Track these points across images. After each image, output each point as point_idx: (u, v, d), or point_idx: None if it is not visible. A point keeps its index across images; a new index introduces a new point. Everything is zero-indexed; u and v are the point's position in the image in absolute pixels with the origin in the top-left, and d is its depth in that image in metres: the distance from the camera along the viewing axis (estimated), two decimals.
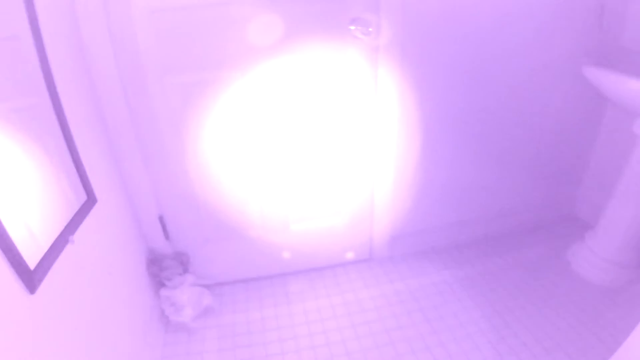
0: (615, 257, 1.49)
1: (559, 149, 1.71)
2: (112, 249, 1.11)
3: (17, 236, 0.62)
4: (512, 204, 1.78)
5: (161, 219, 1.36)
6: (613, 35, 1.56)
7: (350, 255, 1.64)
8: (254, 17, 1.14)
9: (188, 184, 1.32)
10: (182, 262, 1.42)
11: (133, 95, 1.15)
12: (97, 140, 1.11)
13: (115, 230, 1.16)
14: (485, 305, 1.42)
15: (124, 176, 1.24)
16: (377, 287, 1.52)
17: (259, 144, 1.31)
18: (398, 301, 1.45)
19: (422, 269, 1.61)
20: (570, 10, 1.44)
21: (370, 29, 1.22)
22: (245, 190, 1.39)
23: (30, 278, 0.66)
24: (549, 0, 1.39)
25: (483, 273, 1.59)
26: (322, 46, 1.23)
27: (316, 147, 1.38)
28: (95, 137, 1.10)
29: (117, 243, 1.16)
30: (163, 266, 1.39)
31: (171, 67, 1.15)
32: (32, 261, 0.67)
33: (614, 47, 1.57)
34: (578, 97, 1.59)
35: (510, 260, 1.66)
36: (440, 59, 1.35)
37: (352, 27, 1.22)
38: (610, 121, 1.69)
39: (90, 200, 0.99)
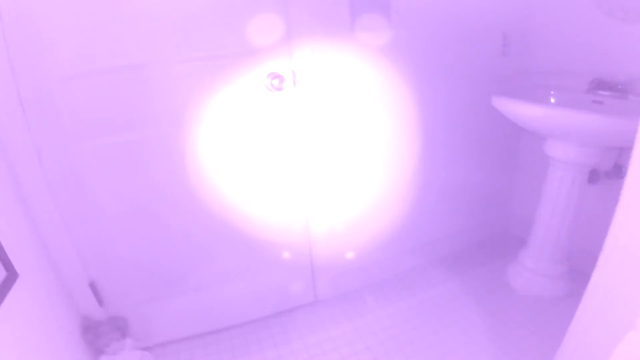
0: (547, 270, 1.56)
1: (486, 171, 1.82)
2: (40, 323, 1.07)
3: None
4: (451, 230, 1.85)
5: (92, 286, 1.33)
6: (519, 62, 1.71)
7: (293, 301, 1.63)
8: (173, 75, 1.19)
9: (118, 246, 1.31)
10: (119, 326, 1.38)
11: (51, 159, 1.14)
12: (13, 211, 1.09)
13: (42, 303, 1.12)
14: (430, 335, 1.44)
15: (47, 246, 1.21)
16: (324, 331, 1.51)
17: (187, 197, 1.33)
18: (345, 343, 1.45)
19: (365, 307, 1.62)
20: (475, 41, 1.58)
21: (283, 84, 1.30)
22: (177, 246, 1.38)
23: None
24: (454, 33, 1.52)
25: (427, 302, 1.62)
26: (241, 98, 1.29)
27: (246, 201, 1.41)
28: (10, 208, 1.08)
29: (46, 316, 1.12)
30: (99, 333, 1.34)
31: (93, 129, 1.16)
32: None
33: (521, 73, 1.71)
34: (496, 123, 1.71)
35: (453, 286, 1.70)
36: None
37: (267, 82, 1.29)
38: (527, 142, 1.83)
39: (10, 276, 0.97)
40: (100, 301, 1.36)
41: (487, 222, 1.98)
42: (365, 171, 1.55)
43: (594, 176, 1.45)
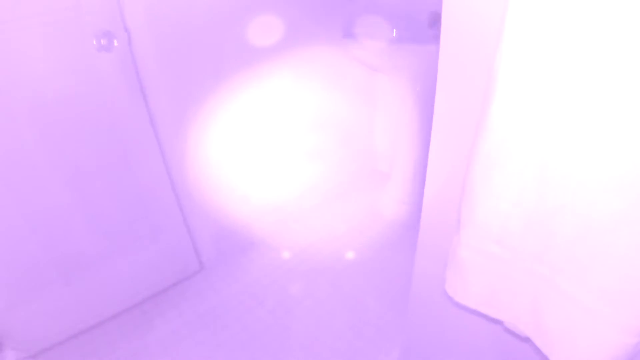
0: (406, 199, 1.73)
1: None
2: None
3: None
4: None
5: None
6: (367, 5, 1.75)
7: (179, 274, 1.59)
8: None
9: None
10: None
11: None
12: None
13: None
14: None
15: None
16: (215, 295, 1.51)
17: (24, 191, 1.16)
18: (237, 303, 1.47)
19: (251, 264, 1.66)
20: None
21: (115, 43, 1.16)
22: (36, 228, 1.23)
23: None
24: None
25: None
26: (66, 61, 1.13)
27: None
28: None
29: None
30: None
31: None
32: None
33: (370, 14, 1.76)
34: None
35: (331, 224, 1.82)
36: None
37: (95, 42, 1.14)
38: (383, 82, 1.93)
39: None
40: None
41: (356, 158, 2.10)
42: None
43: None
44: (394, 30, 1.60)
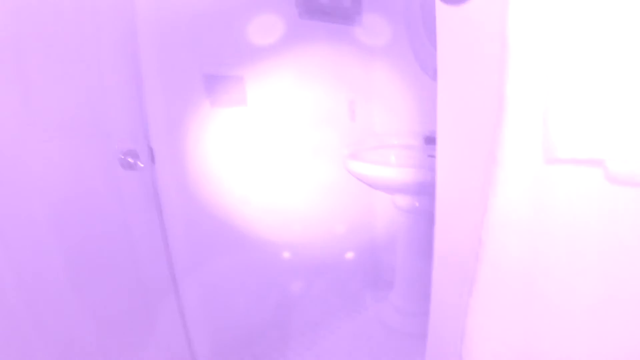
0: (407, 308, 1.72)
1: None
2: None
3: None
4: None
5: None
6: (366, 127, 1.94)
7: None
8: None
9: None
10: None
11: None
12: None
13: None
14: None
15: None
16: None
17: None
18: None
19: None
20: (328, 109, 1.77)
21: (140, 164, 1.30)
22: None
23: None
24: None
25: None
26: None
27: None
28: None
29: None
30: None
31: None
32: None
33: (368, 135, 1.95)
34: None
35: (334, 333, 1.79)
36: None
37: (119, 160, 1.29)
38: (381, 196, 2.05)
39: None
40: None
41: (361, 270, 2.13)
42: None
43: None
44: (394, 154, 1.76)
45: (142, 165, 1.29)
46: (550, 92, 0.44)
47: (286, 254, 1.75)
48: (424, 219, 1.62)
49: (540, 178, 0.45)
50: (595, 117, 0.41)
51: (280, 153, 1.64)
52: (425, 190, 1.55)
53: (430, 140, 1.70)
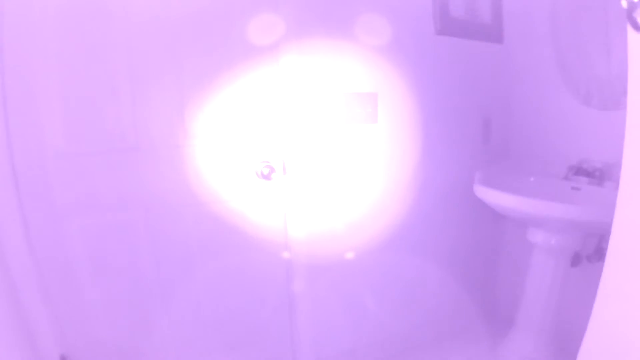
0: (534, 354, 1.54)
1: (470, 255, 1.86)
2: None
3: None
4: (434, 315, 1.84)
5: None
6: (500, 148, 1.80)
7: None
8: (165, 159, 1.28)
9: (96, 326, 1.32)
10: None
11: (39, 234, 1.18)
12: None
13: None
14: None
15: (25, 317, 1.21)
16: None
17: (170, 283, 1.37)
18: None
19: None
20: (458, 127, 1.68)
21: (273, 175, 1.39)
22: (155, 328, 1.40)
23: None
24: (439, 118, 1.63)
25: None
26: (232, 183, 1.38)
27: None
28: None
29: None
30: None
31: (83, 207, 1.22)
32: None
33: (502, 158, 1.80)
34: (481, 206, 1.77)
35: None
36: None
37: (257, 172, 1.38)
38: (510, 224, 1.87)
39: None
40: None
41: (472, 307, 1.97)
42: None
43: (576, 260, 1.48)
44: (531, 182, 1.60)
45: (274, 177, 1.37)
46: None
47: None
48: (562, 257, 1.44)
49: None
50: None
51: (406, 171, 1.61)
52: (566, 227, 1.38)
53: (577, 171, 1.51)
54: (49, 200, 1.19)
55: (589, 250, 1.50)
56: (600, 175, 1.45)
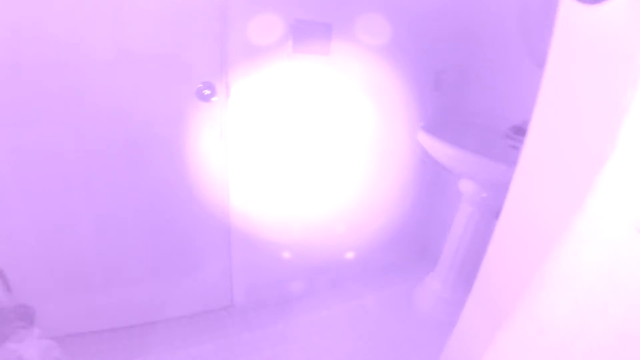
0: (449, 295, 1.68)
1: (411, 193, 1.93)
2: None
3: None
4: (365, 246, 1.94)
5: (0, 272, 1.33)
6: (450, 98, 1.80)
7: (210, 304, 1.69)
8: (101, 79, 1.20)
9: (28, 236, 1.32)
10: (27, 315, 1.39)
11: None
12: None
13: None
14: (335, 352, 1.54)
15: None
16: (237, 335, 1.58)
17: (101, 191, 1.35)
18: (255, 349, 1.52)
19: (276, 316, 1.70)
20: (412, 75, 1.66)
21: (213, 98, 1.33)
22: (90, 241, 1.40)
23: None
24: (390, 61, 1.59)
25: (333, 318, 1.71)
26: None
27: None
28: None
29: None
30: (4, 320, 1.35)
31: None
32: None
33: (452, 108, 1.81)
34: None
35: (359, 304, 1.82)
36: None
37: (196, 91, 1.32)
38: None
39: None
40: (8, 287, 1.36)
41: (409, 241, 2.10)
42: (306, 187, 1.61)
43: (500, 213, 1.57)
44: (473, 135, 1.63)
45: (215, 99, 1.32)
46: None
47: (341, 228, 1.76)
48: (487, 209, 1.52)
49: (623, 242, 0.38)
50: None
51: (355, 111, 1.59)
52: (494, 183, 1.44)
53: (518, 131, 1.54)
54: None
55: None
56: None
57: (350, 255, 1.89)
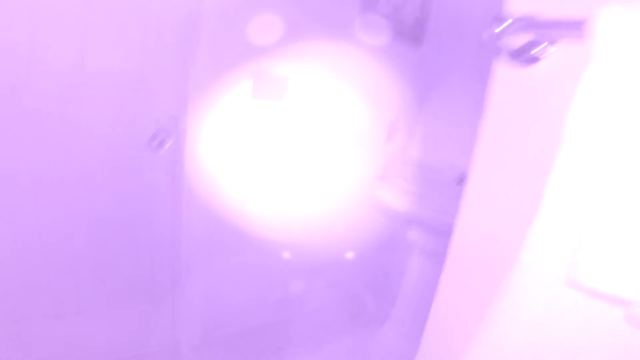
0: (397, 350, 1.66)
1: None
2: None
3: None
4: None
5: None
6: (403, 151, 1.87)
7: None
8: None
9: None
10: None
11: None
12: None
13: None
14: None
15: None
16: None
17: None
18: None
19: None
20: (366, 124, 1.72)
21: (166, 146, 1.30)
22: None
23: None
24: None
25: None
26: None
27: None
28: None
29: None
30: None
31: None
32: None
33: (404, 162, 1.87)
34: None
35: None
36: None
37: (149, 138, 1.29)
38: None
39: None
40: None
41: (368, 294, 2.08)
42: None
43: None
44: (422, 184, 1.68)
45: (169, 143, 1.30)
46: (593, 208, 0.38)
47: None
48: (433, 258, 1.55)
49: (555, 297, 0.40)
50: (634, 251, 0.35)
51: (307, 156, 1.61)
52: (442, 231, 1.48)
53: (462, 181, 1.61)
54: None
55: None
56: None
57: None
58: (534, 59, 0.58)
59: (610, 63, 0.43)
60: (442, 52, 1.79)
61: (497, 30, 0.56)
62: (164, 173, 1.36)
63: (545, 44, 0.56)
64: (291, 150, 1.56)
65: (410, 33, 1.73)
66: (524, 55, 0.59)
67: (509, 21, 0.55)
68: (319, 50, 1.50)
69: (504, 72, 0.65)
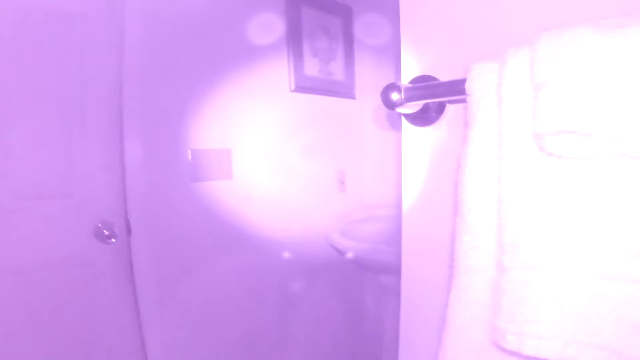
0: None
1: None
2: None
3: None
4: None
5: None
6: (356, 197, 1.91)
7: None
8: None
9: None
10: None
11: None
12: None
13: None
14: None
15: None
16: None
17: None
18: None
19: None
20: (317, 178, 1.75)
21: (113, 240, 1.27)
22: None
23: None
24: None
25: None
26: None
27: None
28: None
29: None
30: None
31: None
32: None
33: (359, 207, 1.91)
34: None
35: None
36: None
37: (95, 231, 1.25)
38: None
39: None
40: None
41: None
42: None
43: None
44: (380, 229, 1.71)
45: (114, 241, 1.26)
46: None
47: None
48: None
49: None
50: None
51: (266, 226, 1.60)
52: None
53: None
54: None
55: None
56: None
57: None
58: (433, 119, 0.63)
59: (486, 120, 0.47)
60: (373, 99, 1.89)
61: (394, 98, 0.60)
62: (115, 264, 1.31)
63: (444, 103, 0.61)
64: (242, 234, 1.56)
65: (341, 88, 1.82)
66: (423, 116, 0.63)
67: (403, 90, 0.59)
68: (257, 118, 1.54)
69: (407, 131, 0.69)
